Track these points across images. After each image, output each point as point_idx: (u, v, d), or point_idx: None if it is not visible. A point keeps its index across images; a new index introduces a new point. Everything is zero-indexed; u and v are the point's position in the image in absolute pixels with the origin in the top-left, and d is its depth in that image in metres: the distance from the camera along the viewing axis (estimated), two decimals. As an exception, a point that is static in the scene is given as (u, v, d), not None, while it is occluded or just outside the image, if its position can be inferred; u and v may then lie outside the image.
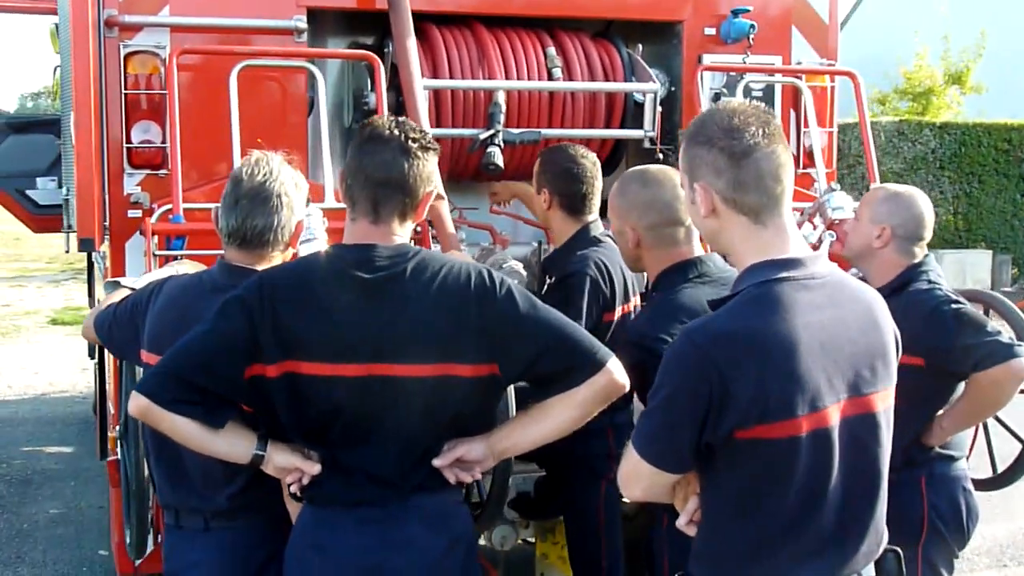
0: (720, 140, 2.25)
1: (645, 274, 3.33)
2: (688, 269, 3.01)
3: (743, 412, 2.12)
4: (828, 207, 4.79)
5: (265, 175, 2.92)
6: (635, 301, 3.90)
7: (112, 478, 4.19)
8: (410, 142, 2.57)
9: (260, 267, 2.91)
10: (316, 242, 3.49)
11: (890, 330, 2.34)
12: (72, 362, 10.53)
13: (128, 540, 3.45)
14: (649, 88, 5.01)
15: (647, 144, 5.09)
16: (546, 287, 3.88)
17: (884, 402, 2.28)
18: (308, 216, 3.33)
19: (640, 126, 5.07)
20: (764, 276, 2.21)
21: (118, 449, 3.67)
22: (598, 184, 3.99)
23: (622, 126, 5.17)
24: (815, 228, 4.75)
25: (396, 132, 2.58)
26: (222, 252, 3.01)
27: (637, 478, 2.30)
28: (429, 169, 2.62)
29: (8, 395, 9.78)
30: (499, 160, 4.74)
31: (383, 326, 2.50)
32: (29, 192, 6.03)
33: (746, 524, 2.22)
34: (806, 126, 5.32)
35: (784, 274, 2.20)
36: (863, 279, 3.39)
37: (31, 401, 9.56)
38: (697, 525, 2.31)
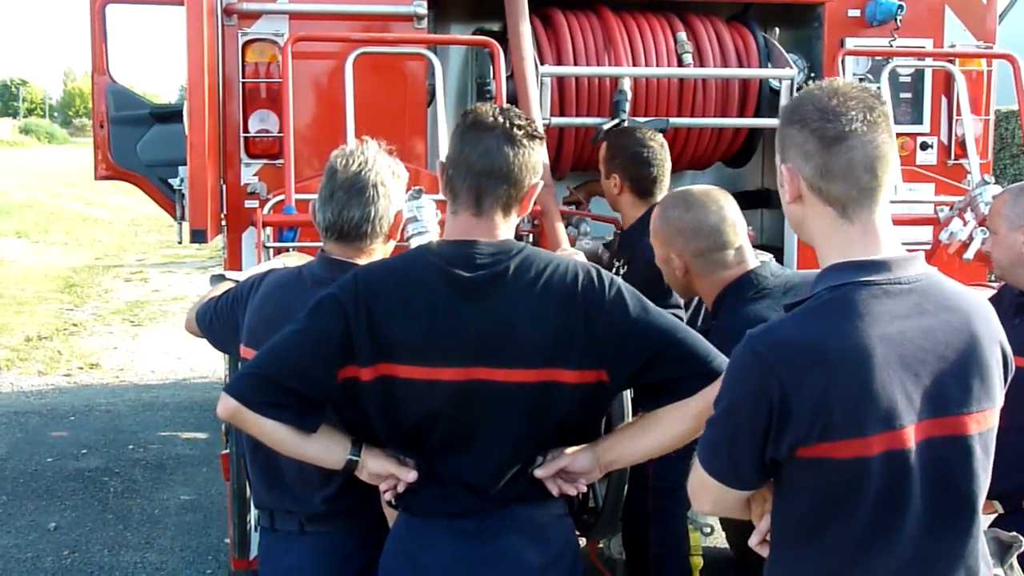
0: (813, 121, 2.04)
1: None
2: (744, 287, 2.91)
3: (804, 428, 1.96)
4: (980, 201, 4.40)
5: (360, 165, 2.83)
6: None
7: (225, 472, 4.15)
8: (515, 129, 2.43)
9: (360, 260, 2.83)
10: (429, 235, 3.35)
11: (994, 343, 2.08)
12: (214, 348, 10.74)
13: (232, 538, 3.39)
14: (786, 74, 4.78)
15: (783, 133, 4.83)
16: (618, 270, 3.79)
17: (980, 424, 2.04)
18: (420, 208, 3.23)
19: (776, 114, 4.76)
20: (842, 279, 2.02)
21: (227, 443, 3.63)
22: (667, 166, 4.00)
23: (757, 115, 4.96)
24: (965, 224, 4.37)
25: (500, 119, 2.44)
26: (330, 244, 2.95)
27: (703, 491, 2.16)
28: (535, 159, 2.47)
29: (151, 379, 10.01)
30: (624, 151, 4.53)
31: (483, 328, 2.38)
32: (172, 181, 6.07)
33: (811, 550, 2.04)
34: (959, 114, 4.99)
35: (865, 278, 2.01)
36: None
37: (172, 386, 9.75)
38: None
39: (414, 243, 3.14)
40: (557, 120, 4.60)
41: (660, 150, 3.98)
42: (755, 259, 2.97)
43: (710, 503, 2.17)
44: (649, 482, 3.62)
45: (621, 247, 3.99)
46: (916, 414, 1.97)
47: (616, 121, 4.53)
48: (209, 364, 10.41)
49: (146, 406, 8.97)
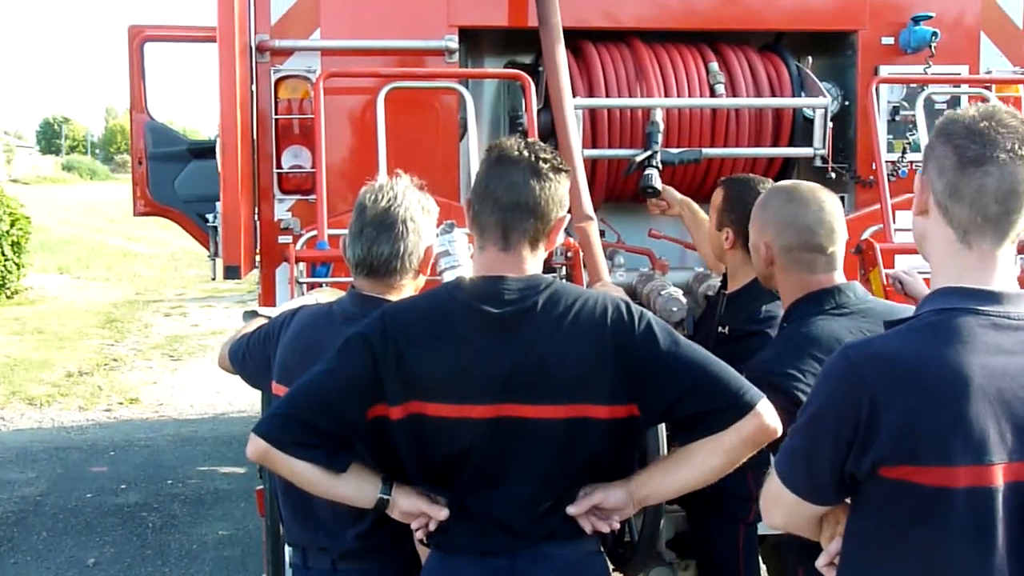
0: (958, 138, 1.98)
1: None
2: (824, 299, 2.77)
3: (890, 445, 1.91)
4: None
5: (389, 201, 2.84)
6: None
7: (260, 507, 4.15)
8: (540, 163, 2.44)
9: (391, 296, 2.84)
10: (461, 268, 3.34)
11: None
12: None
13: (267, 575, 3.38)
14: (820, 103, 4.75)
15: (818, 163, 4.85)
16: (721, 337, 3.61)
17: None
18: (453, 242, 3.23)
19: (810, 144, 4.81)
20: (949, 303, 1.97)
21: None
22: None
23: (791, 144, 4.93)
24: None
25: (525, 153, 2.45)
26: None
27: (777, 504, 2.13)
28: (561, 192, 2.48)
29: (190, 414, 10.07)
30: (657, 183, 4.55)
31: (513, 364, 2.38)
32: (209, 216, 6.13)
33: None
34: (996, 140, 4.90)
35: (974, 306, 1.95)
36: None
37: (210, 420, 9.81)
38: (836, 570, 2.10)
39: (447, 277, 3.14)
40: (589, 152, 4.59)
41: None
42: (842, 274, 2.87)
43: (782, 516, 2.14)
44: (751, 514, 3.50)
45: (726, 311, 3.72)
46: (1007, 453, 1.90)
47: (648, 153, 4.53)
48: (247, 398, 10.45)
49: (185, 441, 9.02)
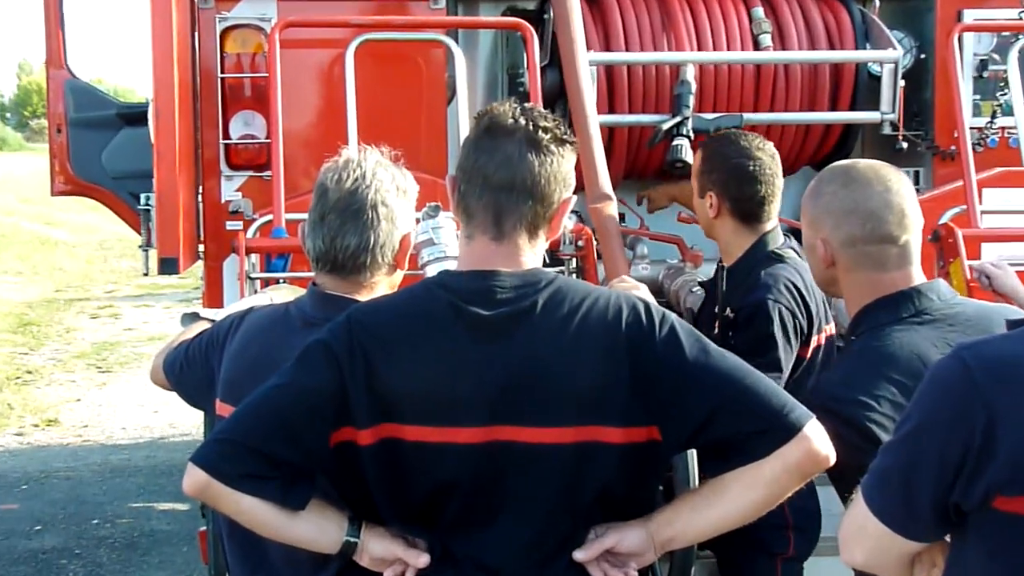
0: None
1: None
2: (901, 304, 2.73)
3: (1008, 470, 1.90)
4: None
5: (356, 180, 2.84)
6: (832, 327, 3.74)
7: (204, 553, 4.18)
8: (540, 133, 2.43)
9: (360, 295, 2.85)
10: (448, 260, 3.36)
11: None
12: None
13: (208, 634, 3.40)
14: (889, 56, 4.77)
15: (886, 130, 4.86)
16: (723, 325, 3.66)
17: None
18: (438, 228, 3.25)
19: (877, 107, 4.82)
20: None
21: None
22: (778, 183, 3.80)
23: (853, 108, 4.95)
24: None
25: (522, 121, 2.44)
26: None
27: (860, 537, 2.13)
28: (566, 168, 2.47)
29: (121, 438, 10.07)
30: (688, 155, 4.54)
31: (507, 378, 2.38)
32: (142, 197, 6.15)
33: None
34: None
35: None
36: None
37: (146, 446, 9.82)
38: None
39: (431, 271, 3.14)
40: (605, 118, 4.60)
41: (771, 163, 3.80)
42: (920, 271, 2.85)
43: (865, 553, 2.14)
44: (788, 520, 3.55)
45: (725, 292, 3.79)
46: None
47: (678, 119, 4.54)
48: (192, 419, 10.46)
49: (115, 471, 9.02)
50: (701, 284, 4.33)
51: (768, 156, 3.80)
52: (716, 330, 3.62)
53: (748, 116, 4.73)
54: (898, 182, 2.83)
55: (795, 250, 3.70)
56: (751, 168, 3.74)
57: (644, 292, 2.96)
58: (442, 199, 3.32)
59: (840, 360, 2.93)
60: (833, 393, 2.68)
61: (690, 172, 4.58)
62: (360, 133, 4.05)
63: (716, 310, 3.74)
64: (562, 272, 3.96)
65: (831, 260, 2.83)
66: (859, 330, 2.81)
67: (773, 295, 3.54)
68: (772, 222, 3.78)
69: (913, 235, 2.80)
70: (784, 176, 5.16)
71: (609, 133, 4.73)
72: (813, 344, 3.62)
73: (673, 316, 2.43)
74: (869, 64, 4.89)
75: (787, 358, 3.51)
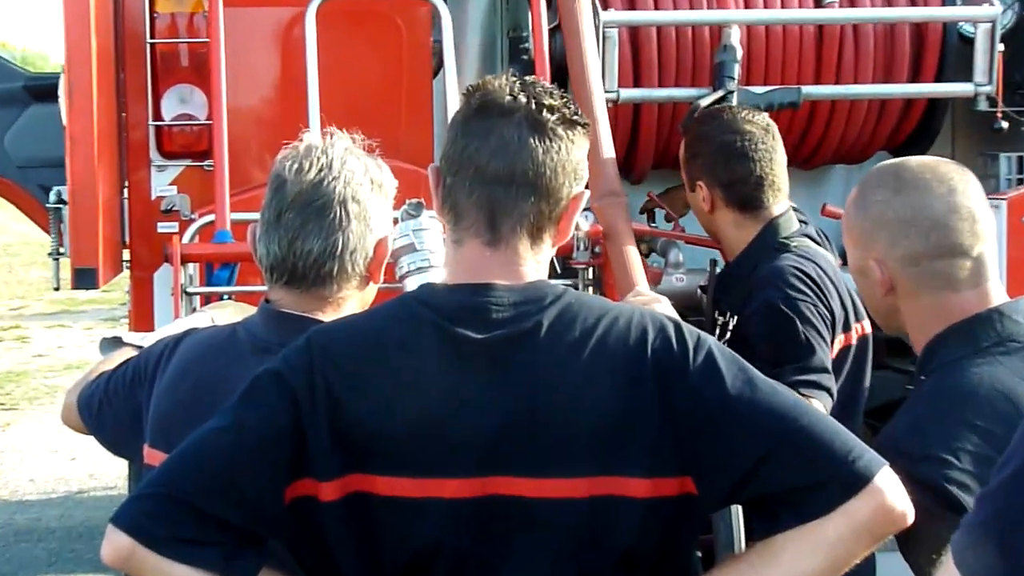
0: None
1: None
2: (979, 331, 2.73)
3: None
4: None
5: (321, 171, 2.84)
6: (867, 324, 3.78)
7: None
8: (545, 112, 2.42)
9: (325, 314, 2.85)
10: (433, 272, 3.37)
11: None
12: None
13: None
14: (985, 14, 4.79)
15: (982, 105, 4.89)
16: (722, 328, 3.66)
17: None
18: (421, 231, 3.24)
19: (969, 77, 4.84)
20: None
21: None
22: (779, 159, 3.86)
23: (939, 78, 4.97)
24: None
25: (522, 98, 2.43)
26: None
27: None
28: (576, 156, 2.47)
29: (29, 493, 10.06)
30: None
31: (505, 417, 2.38)
32: (60, 189, 6.18)
33: None
34: None
35: None
36: None
37: (61, 503, 9.80)
38: None
39: (411, 284, 3.14)
40: (630, 93, 4.64)
41: (764, 136, 3.86)
42: (1000, 288, 2.83)
43: None
44: None
45: (725, 290, 3.91)
46: None
47: (720, 94, 4.55)
48: (117, 469, 10.48)
49: (21, 534, 9.02)
50: (701, 288, 4.36)
51: (760, 129, 3.87)
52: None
53: (808, 90, 4.74)
54: (963, 180, 2.81)
55: (812, 237, 3.80)
56: (739, 144, 3.82)
57: (665, 307, 2.96)
58: (427, 194, 3.33)
59: (908, 405, 2.89)
60: (901, 447, 2.65)
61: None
62: (325, 113, 4.03)
63: (706, 317, 3.82)
64: (574, 285, 3.97)
65: (889, 284, 2.83)
66: (929, 367, 2.81)
67: (780, 289, 3.61)
68: (780, 206, 3.84)
69: (987, 244, 2.79)
70: (854, 163, 5.24)
71: (634, 112, 4.77)
72: (839, 345, 3.67)
73: (710, 339, 2.43)
74: (960, 24, 4.93)
75: (826, 355, 3.56)
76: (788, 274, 3.64)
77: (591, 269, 4.17)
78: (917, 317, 2.85)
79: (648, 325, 2.43)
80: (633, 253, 3.98)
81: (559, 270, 4.51)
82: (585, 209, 4.38)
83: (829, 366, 3.56)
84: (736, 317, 3.69)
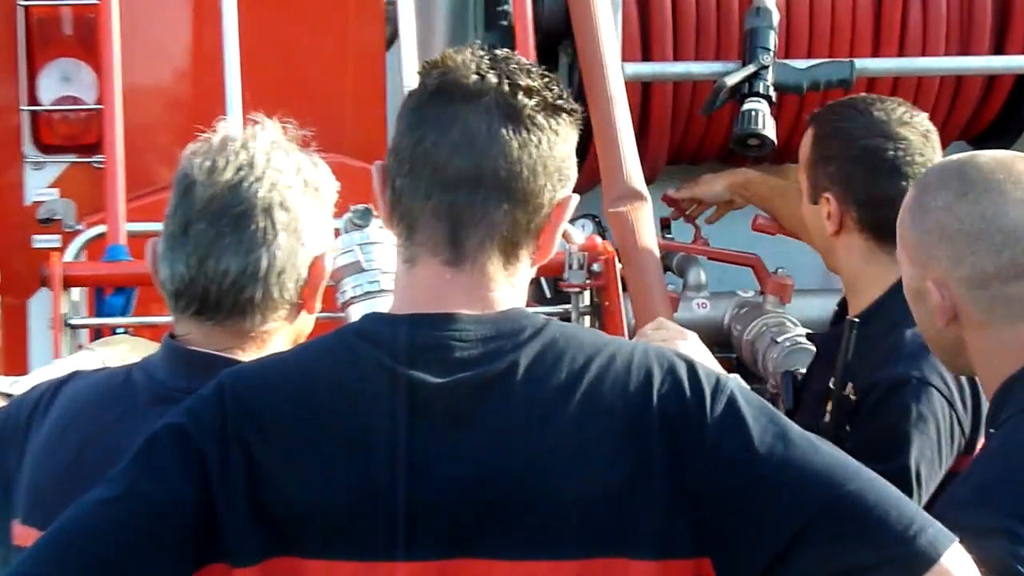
0: None
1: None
2: None
3: None
4: None
5: (240, 171, 2.84)
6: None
7: None
8: (521, 97, 2.42)
9: (244, 352, 2.87)
10: (384, 299, 3.39)
11: None
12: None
13: None
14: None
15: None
16: (844, 403, 3.59)
17: None
18: (368, 246, 3.24)
19: None
20: None
21: None
22: None
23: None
24: None
25: (492, 78, 2.43)
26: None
27: None
28: (563, 153, 2.46)
29: None
30: (769, 127, 4.60)
31: (472, 484, 2.38)
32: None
33: None
34: None
35: None
36: None
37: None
38: None
39: (356, 314, 3.18)
40: (637, 69, 4.67)
41: (923, 145, 3.78)
42: None
43: None
44: None
45: (850, 356, 3.66)
46: None
47: (751, 70, 4.58)
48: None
49: None
50: (810, 337, 4.30)
51: (919, 135, 3.78)
52: (828, 416, 3.60)
53: (862, 64, 4.78)
54: None
55: None
56: (891, 153, 3.73)
57: (693, 344, 2.98)
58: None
59: (974, 466, 2.92)
60: (963, 516, 2.67)
61: (769, 154, 4.66)
62: (248, 96, 4.04)
63: (832, 384, 3.66)
64: (565, 314, 4.02)
65: (951, 312, 2.85)
66: (1001, 416, 2.84)
67: (922, 369, 3.54)
68: None
69: None
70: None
71: (643, 92, 4.79)
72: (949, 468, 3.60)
73: (733, 383, 2.42)
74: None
75: (931, 473, 3.51)
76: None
77: (587, 294, 4.14)
78: (987, 355, 2.88)
79: (653, 366, 2.42)
80: (656, 273, 3.95)
81: (549, 294, 4.55)
82: (585, 216, 4.42)
83: (926, 488, 3.49)
84: (856, 392, 3.61)
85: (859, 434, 3.40)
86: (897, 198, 3.50)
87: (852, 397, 3.56)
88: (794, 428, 2.42)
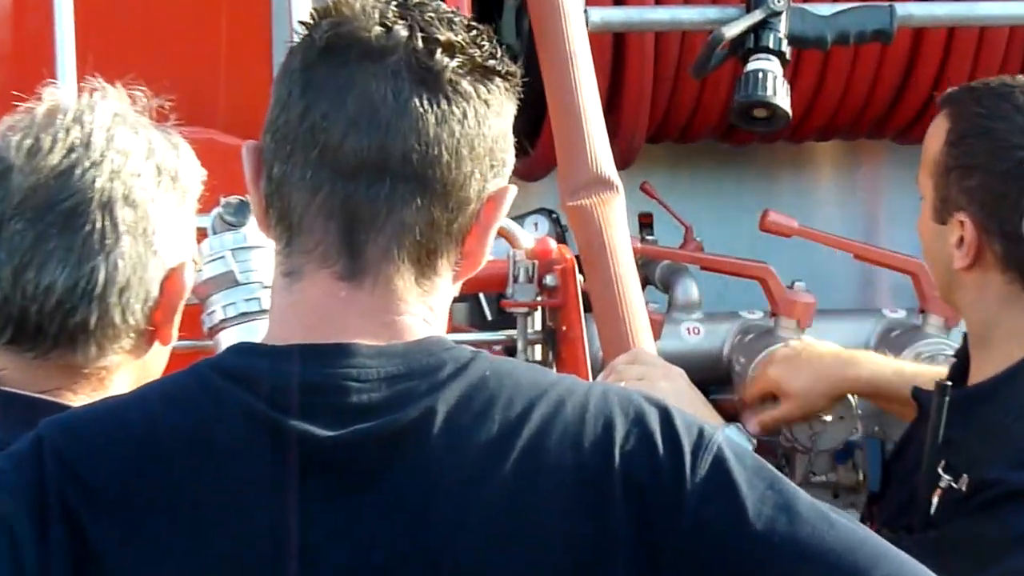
0: None
1: None
2: None
3: None
4: None
5: (72, 151, 2.85)
6: None
7: None
8: (440, 55, 2.41)
9: (77, 396, 2.88)
10: (264, 323, 3.39)
11: None
12: None
13: None
14: None
15: None
16: (948, 495, 3.62)
17: None
18: (244, 251, 3.24)
19: None
20: None
21: None
22: None
23: None
24: None
25: (401, 31, 2.41)
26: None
27: None
28: (497, 129, 2.47)
29: None
30: (781, 93, 4.60)
31: (371, 570, 2.39)
32: None
33: None
34: None
35: None
36: None
37: None
38: None
39: (227, 340, 3.20)
40: (607, 15, 4.66)
41: None
42: None
43: None
44: None
45: (962, 425, 3.68)
46: None
47: (757, 17, 4.55)
48: None
49: None
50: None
51: None
52: (935, 507, 3.64)
53: (905, 8, 4.79)
54: None
55: None
56: None
57: (677, 384, 2.97)
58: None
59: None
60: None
61: (781, 131, 4.66)
62: (84, 54, 4.03)
63: (932, 462, 3.67)
64: (509, 344, 4.01)
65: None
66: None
67: None
68: None
69: None
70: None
71: (614, 46, 4.83)
72: None
73: (722, 436, 2.42)
74: None
75: None
76: None
77: (539, 314, 4.16)
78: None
79: (615, 414, 2.42)
80: (632, 287, 3.91)
81: (490, 316, 4.55)
82: (537, 212, 4.46)
83: None
84: (967, 480, 3.59)
85: (961, 527, 3.44)
86: None
87: (958, 487, 3.57)
88: (802, 497, 2.44)
